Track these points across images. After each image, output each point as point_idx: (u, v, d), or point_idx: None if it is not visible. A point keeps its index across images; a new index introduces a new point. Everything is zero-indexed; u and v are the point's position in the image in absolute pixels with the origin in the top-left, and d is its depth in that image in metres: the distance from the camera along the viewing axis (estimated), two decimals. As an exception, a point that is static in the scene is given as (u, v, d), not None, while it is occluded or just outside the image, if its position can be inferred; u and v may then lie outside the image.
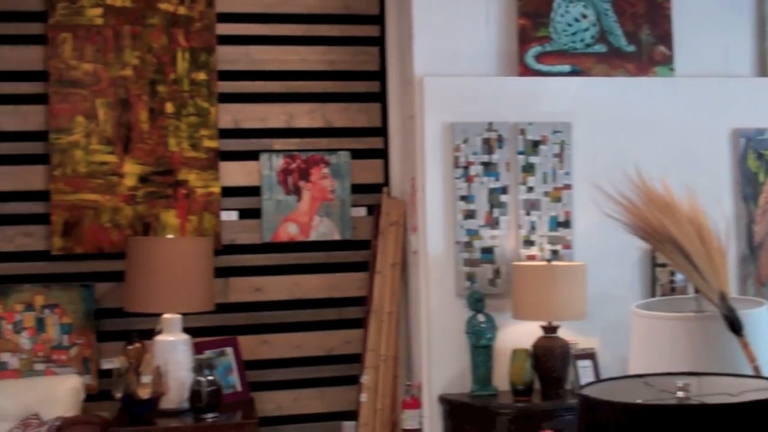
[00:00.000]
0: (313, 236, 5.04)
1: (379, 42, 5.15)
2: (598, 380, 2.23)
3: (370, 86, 5.17)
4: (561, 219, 4.59)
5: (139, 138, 4.86)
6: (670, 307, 2.99)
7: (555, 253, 4.56)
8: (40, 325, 4.72)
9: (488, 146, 4.54)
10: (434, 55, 4.63)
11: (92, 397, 4.71)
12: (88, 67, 4.83)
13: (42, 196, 4.79)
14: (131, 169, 4.84)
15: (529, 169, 4.57)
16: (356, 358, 4.97)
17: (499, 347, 4.43)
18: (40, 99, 4.80)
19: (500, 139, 4.55)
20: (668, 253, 2.83)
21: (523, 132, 4.57)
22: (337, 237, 5.07)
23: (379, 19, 5.15)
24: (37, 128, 4.81)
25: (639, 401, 1.96)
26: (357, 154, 5.13)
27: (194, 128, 4.91)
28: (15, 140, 4.79)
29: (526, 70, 4.66)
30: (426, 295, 4.53)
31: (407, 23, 4.73)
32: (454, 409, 4.37)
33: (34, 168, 4.80)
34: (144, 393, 4.24)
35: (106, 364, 4.77)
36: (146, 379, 4.28)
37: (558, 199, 4.59)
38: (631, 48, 4.75)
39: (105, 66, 4.84)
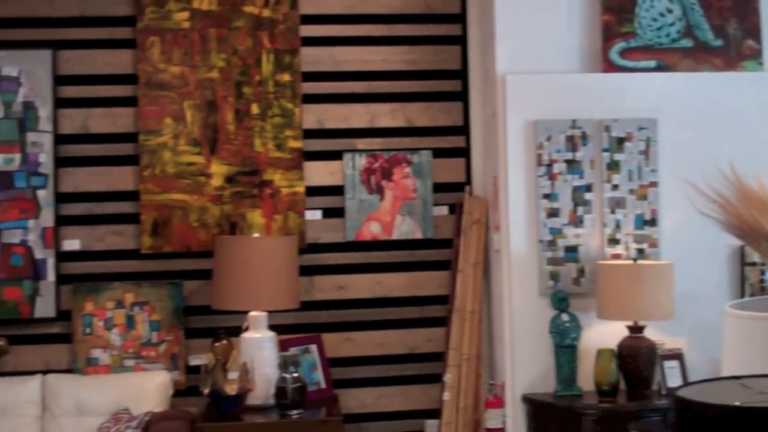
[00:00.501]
0: (395, 235, 5.07)
1: (461, 41, 5.15)
2: (693, 382, 2.19)
3: (452, 85, 5.17)
4: (647, 217, 4.52)
5: (225, 139, 4.94)
6: (764, 307, 2.92)
7: (641, 252, 4.49)
8: (130, 322, 4.84)
9: (572, 143, 4.50)
10: (517, 53, 4.61)
11: (180, 392, 4.81)
12: (176, 70, 4.93)
13: (132, 196, 4.92)
14: (218, 169, 4.93)
15: (613, 166, 4.51)
16: (439, 357, 4.98)
17: (583, 347, 4.39)
18: (129, 101, 4.93)
19: (584, 137, 4.50)
20: (764, 251, 2.76)
21: (607, 129, 4.51)
22: (419, 236, 5.08)
23: (460, 18, 5.15)
24: (127, 130, 4.94)
25: (737, 403, 1.93)
26: (439, 153, 5.13)
27: (279, 129, 4.98)
28: (106, 142, 4.93)
29: (610, 66, 4.61)
30: (509, 294, 4.51)
31: (489, 21, 4.72)
32: (537, 409, 4.35)
33: (124, 169, 4.93)
34: (231, 389, 4.31)
35: (194, 361, 4.87)
36: (233, 375, 4.35)
37: (644, 197, 4.52)
38: (719, 42, 4.66)
39: (192, 69, 4.94)
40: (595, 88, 4.57)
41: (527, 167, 4.51)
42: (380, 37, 5.14)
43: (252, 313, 4.58)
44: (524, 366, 4.47)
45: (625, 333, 4.34)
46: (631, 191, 4.52)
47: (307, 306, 4.93)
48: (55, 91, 4.86)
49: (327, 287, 5.04)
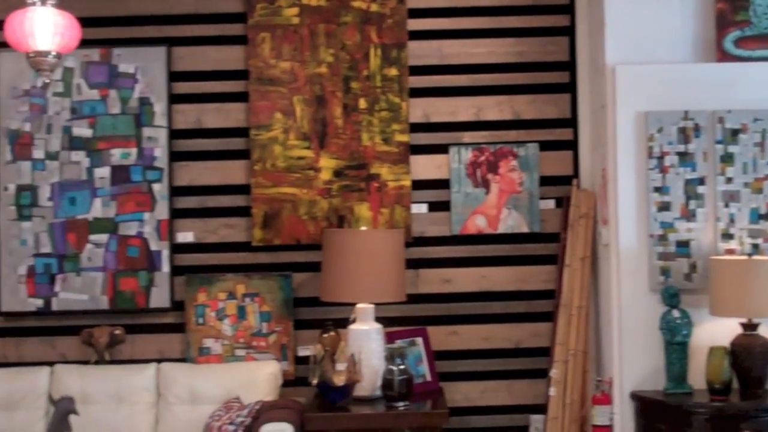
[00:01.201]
0: (501, 229, 5.04)
1: (569, 31, 5.09)
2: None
3: (560, 77, 5.11)
4: (762, 211, 4.38)
5: (333, 133, 5.01)
6: None
7: (756, 247, 4.35)
8: (242, 312, 4.96)
9: (684, 135, 4.39)
10: (627, 43, 4.52)
11: (289, 382, 4.91)
12: (286, 66, 5.02)
13: (243, 189, 5.03)
14: (326, 163, 5.00)
15: (727, 158, 4.38)
16: (545, 352, 4.95)
17: (694, 344, 4.28)
18: (241, 97, 5.05)
19: (697, 128, 4.39)
20: None
21: (721, 120, 4.39)
22: (525, 229, 5.04)
23: (568, 9, 5.09)
24: (239, 125, 5.06)
25: None
26: (546, 145, 5.08)
27: (386, 123, 5.01)
28: (218, 137, 5.06)
29: (724, 56, 4.47)
30: (617, 289, 4.44)
31: (598, 11, 4.64)
32: (646, 406, 4.27)
33: (236, 163, 5.05)
34: (339, 380, 4.37)
35: (302, 351, 4.96)
36: (341, 366, 4.41)
37: (759, 191, 4.38)
38: (839, 30, 4.47)
39: (301, 64, 5.02)
40: (708, 79, 4.45)
41: (637, 159, 4.43)
42: (487, 29, 5.12)
43: (359, 305, 4.63)
44: (633, 362, 4.39)
45: (738, 330, 4.22)
46: (746, 184, 4.38)
47: (413, 299, 4.96)
48: (169, 87, 5.01)
49: (432, 280, 5.05)
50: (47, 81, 3.93)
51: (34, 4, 3.87)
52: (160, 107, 4.99)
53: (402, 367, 4.44)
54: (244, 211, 5.04)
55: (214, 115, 5.06)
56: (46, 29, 3.82)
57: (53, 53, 3.84)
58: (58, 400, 4.16)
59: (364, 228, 4.96)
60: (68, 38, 3.87)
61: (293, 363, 4.95)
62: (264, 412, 4.36)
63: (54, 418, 4.11)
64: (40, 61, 3.82)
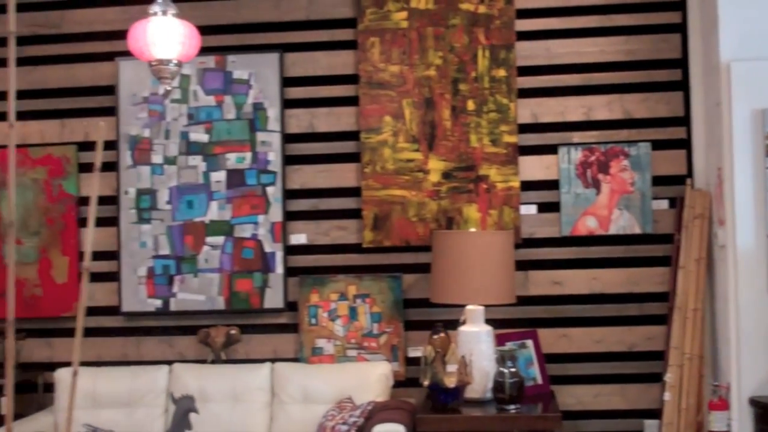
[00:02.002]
0: (612, 230, 4.98)
1: (681, 28, 4.99)
2: None
3: (672, 74, 5.02)
4: None
5: (442, 135, 5.03)
6: None
7: None
8: (353, 313, 5.02)
9: (805, 135, 4.26)
10: (742, 39, 4.41)
11: (399, 383, 4.95)
12: (395, 69, 5.07)
13: (354, 192, 5.10)
14: (435, 165, 5.03)
15: None
16: (659, 356, 4.86)
17: (818, 348, 4.16)
18: (351, 101, 5.12)
19: (818, 127, 4.26)
20: None
21: None
22: (637, 230, 4.97)
23: (680, 6, 4.99)
24: (350, 128, 5.13)
25: None
26: (658, 144, 5.00)
27: (494, 124, 5.01)
28: (330, 140, 5.13)
29: None
30: (734, 291, 4.33)
31: (711, 7, 4.54)
32: (766, 412, 4.15)
33: (346, 166, 5.12)
34: (450, 382, 4.38)
35: (413, 353, 5.00)
36: (452, 368, 4.42)
37: None
38: None
39: (410, 67, 5.06)
40: (829, 75, 4.31)
41: (755, 158, 4.31)
42: (596, 28, 5.06)
43: (469, 307, 4.64)
44: (751, 367, 4.28)
45: None
46: None
47: (523, 301, 4.94)
48: (282, 93, 5.12)
49: (542, 282, 5.03)
50: (168, 88, 4.06)
51: (155, 14, 4.01)
52: (273, 112, 5.10)
53: (513, 369, 4.42)
54: (355, 214, 5.10)
55: (325, 119, 5.15)
56: (168, 38, 3.95)
57: (174, 61, 3.97)
58: (179, 398, 4.29)
59: (473, 229, 4.97)
60: (188, 47, 3.99)
61: (404, 364, 4.99)
62: (376, 413, 4.41)
63: (175, 416, 4.24)
64: (162, 70, 3.95)
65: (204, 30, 4.28)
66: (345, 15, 5.15)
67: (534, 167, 5.05)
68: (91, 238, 2.46)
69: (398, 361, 4.98)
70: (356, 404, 4.57)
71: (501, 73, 5.02)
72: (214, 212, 5.11)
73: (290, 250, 5.11)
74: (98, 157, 2.35)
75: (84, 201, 5.23)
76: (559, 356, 4.98)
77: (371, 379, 4.74)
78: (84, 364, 4.99)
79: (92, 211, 2.49)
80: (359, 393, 4.67)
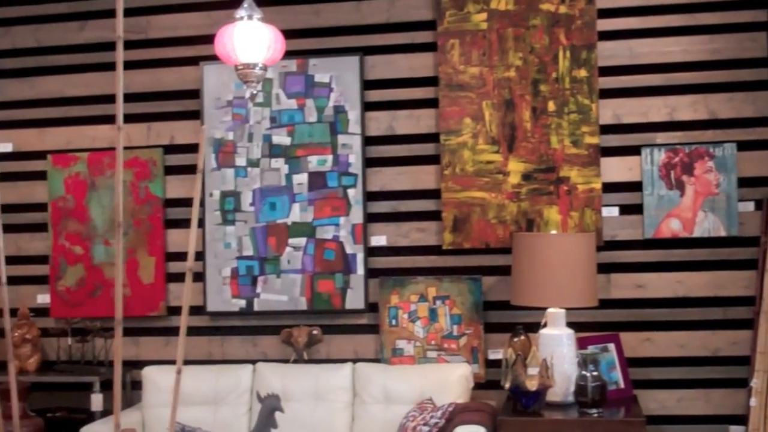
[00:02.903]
0: (696, 232, 4.90)
1: (767, 27, 4.88)
2: None
3: (758, 74, 4.91)
4: None
5: (522, 137, 5.01)
6: None
7: None
8: (433, 315, 5.04)
9: None
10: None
11: (479, 385, 4.95)
12: (475, 71, 5.06)
13: (434, 194, 5.11)
14: (515, 167, 5.01)
15: None
16: (744, 361, 4.78)
17: None
18: (431, 103, 5.13)
19: None
20: None
21: None
22: (722, 233, 4.88)
23: (765, 3, 4.88)
24: (429, 131, 5.14)
25: None
26: (744, 145, 4.90)
27: (575, 125, 4.97)
28: (410, 142, 5.15)
29: None
30: (826, 296, 4.24)
31: (802, 6, 4.44)
32: None
33: (426, 168, 5.13)
34: (531, 385, 4.37)
35: (493, 355, 4.99)
36: (533, 371, 4.41)
37: None
38: None
39: (490, 69, 5.05)
40: None
41: None
42: (680, 27, 4.98)
43: (550, 310, 4.62)
44: (843, 374, 4.18)
45: None
46: None
47: (605, 304, 4.89)
48: (362, 95, 5.15)
49: (624, 285, 4.97)
50: (254, 92, 4.12)
51: (241, 18, 4.07)
52: (354, 115, 5.14)
53: (595, 373, 4.39)
54: (434, 215, 5.11)
55: (405, 122, 5.17)
56: (254, 42, 4.01)
57: (260, 65, 4.03)
58: (265, 397, 4.35)
59: (554, 232, 4.94)
60: (274, 51, 4.05)
61: (483, 366, 4.99)
62: (457, 414, 4.41)
63: (261, 414, 4.30)
64: (248, 73, 4.01)
65: (286, 34, 4.33)
66: (425, 17, 5.16)
67: (616, 169, 5.00)
68: (194, 239, 2.54)
69: (478, 363, 4.98)
70: (437, 405, 4.58)
71: (582, 73, 4.98)
72: (297, 214, 5.18)
73: (371, 252, 5.15)
74: (200, 159, 2.43)
75: (170, 203, 5.34)
76: (641, 360, 4.92)
77: (451, 380, 4.74)
78: (170, 362, 5.11)
79: (195, 212, 2.56)
80: (439, 394, 4.68)
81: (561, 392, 4.50)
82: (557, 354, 4.51)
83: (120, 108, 2.31)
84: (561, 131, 4.98)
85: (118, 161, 2.20)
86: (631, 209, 4.98)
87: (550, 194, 4.99)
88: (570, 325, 4.65)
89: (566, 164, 4.97)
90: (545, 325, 4.63)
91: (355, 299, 5.11)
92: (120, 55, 2.32)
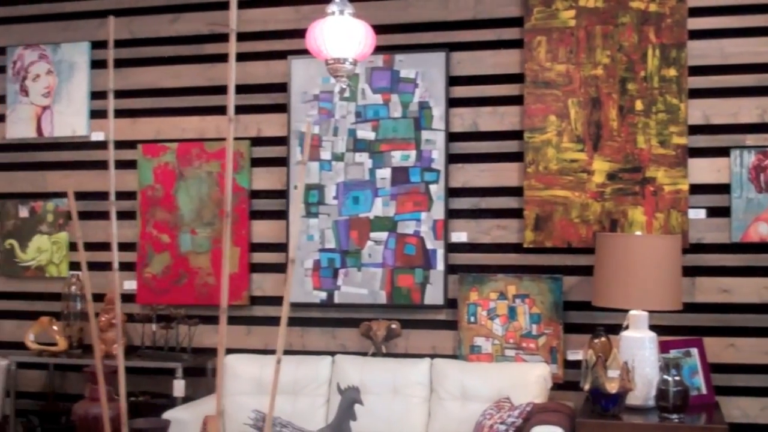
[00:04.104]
0: (787, 237, 4.79)
1: None
2: None
3: None
4: None
5: (608, 136, 4.95)
6: None
7: None
8: (512, 313, 5.02)
9: None
10: None
11: (557, 386, 4.91)
12: (561, 68, 5.02)
13: (516, 191, 5.09)
14: (600, 166, 4.95)
15: None
16: (834, 370, 4.65)
17: None
18: (516, 100, 5.10)
19: None
20: None
21: None
22: (814, 239, 4.76)
23: None
24: (513, 128, 5.11)
25: None
26: (841, 149, 4.77)
27: (663, 125, 4.89)
28: (493, 139, 5.14)
29: None
30: None
31: None
32: None
33: (509, 165, 5.11)
34: (611, 387, 4.32)
35: (571, 356, 4.95)
36: (613, 373, 4.36)
37: None
38: None
39: (577, 66, 5.00)
40: None
41: None
42: (773, 27, 4.87)
43: (632, 312, 4.55)
44: None
45: None
46: None
47: (688, 308, 4.80)
48: (447, 92, 5.15)
49: (709, 289, 4.87)
50: (344, 86, 4.15)
51: (333, 13, 4.11)
52: (438, 111, 5.15)
53: (677, 378, 4.31)
54: (516, 213, 5.09)
55: (489, 118, 5.15)
56: (345, 37, 4.04)
57: (350, 60, 4.06)
58: (345, 389, 4.39)
59: (638, 233, 4.87)
60: (364, 46, 4.08)
61: (562, 366, 4.95)
62: (535, 414, 4.39)
63: (341, 406, 4.35)
64: (338, 68, 4.05)
65: (373, 29, 4.35)
66: (512, 14, 5.13)
67: (704, 170, 4.90)
68: (296, 230, 2.59)
69: (557, 364, 4.95)
70: (514, 404, 4.57)
71: (671, 72, 4.90)
72: (379, 208, 5.21)
73: (451, 248, 5.15)
74: (306, 151, 2.46)
75: (255, 194, 5.42)
76: (724, 366, 4.82)
77: (529, 380, 4.71)
78: (252, 351, 5.21)
79: (296, 200, 2.61)
80: (517, 393, 4.66)
81: (641, 396, 4.44)
82: (639, 357, 4.45)
83: (231, 99, 2.35)
84: (648, 131, 4.91)
85: (228, 151, 2.25)
86: (719, 212, 4.88)
87: (636, 194, 4.92)
88: (652, 328, 4.58)
89: (653, 164, 4.90)
90: (627, 328, 4.57)
91: (434, 295, 5.12)
92: (232, 47, 2.37)
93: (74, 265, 5.71)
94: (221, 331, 2.21)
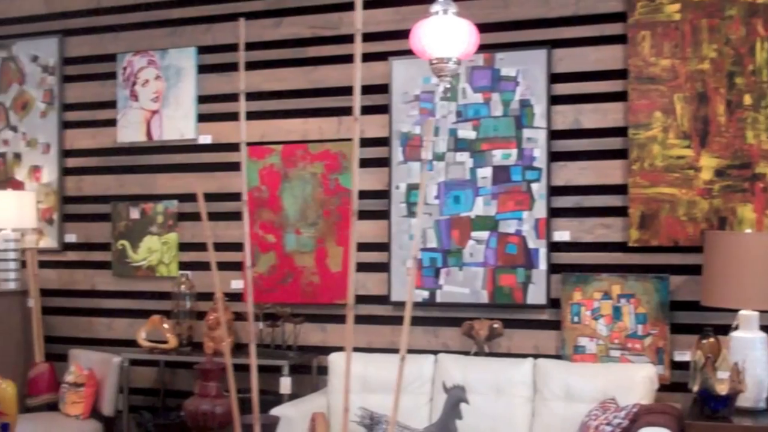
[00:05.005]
0: None
1: None
2: None
3: None
4: None
5: (715, 131, 4.84)
6: None
7: None
8: (617, 313, 4.95)
9: None
10: None
11: (663, 387, 4.81)
12: (666, 63, 4.92)
13: (620, 189, 5.01)
14: (707, 162, 4.84)
15: None
16: None
17: None
18: (619, 96, 5.03)
19: None
20: None
21: None
22: None
23: None
24: (617, 125, 5.03)
25: None
26: None
27: (773, 120, 4.76)
28: (595, 136, 5.07)
29: None
30: None
31: None
32: None
33: (613, 162, 5.03)
34: (721, 389, 4.22)
35: (678, 357, 4.85)
36: (723, 374, 4.25)
37: None
38: None
39: (682, 61, 4.89)
40: None
41: None
42: None
43: (743, 312, 4.43)
44: None
45: None
46: None
47: (802, 307, 4.66)
48: (549, 89, 5.11)
49: (825, 288, 4.71)
50: (447, 86, 4.15)
51: (436, 13, 4.13)
52: (539, 109, 5.11)
53: (790, 379, 4.20)
54: (620, 211, 5.01)
55: (591, 115, 5.09)
56: (449, 37, 4.06)
57: (454, 60, 4.07)
58: (451, 388, 4.40)
59: (748, 231, 4.74)
60: (468, 45, 4.08)
61: (669, 367, 4.86)
62: (642, 416, 4.32)
63: (446, 404, 4.36)
64: (442, 68, 4.06)
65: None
66: (614, 9, 5.05)
67: (817, 166, 4.75)
68: (420, 224, 2.61)
69: (663, 365, 4.85)
70: (620, 406, 4.50)
71: (781, 66, 4.76)
72: (480, 207, 5.20)
73: (554, 247, 5.11)
74: (428, 149, 2.49)
75: (359, 195, 5.46)
76: (841, 368, 4.66)
77: (635, 381, 4.63)
78: (356, 349, 5.26)
79: (421, 200, 2.62)
80: (622, 394, 4.59)
81: (752, 398, 4.32)
82: (749, 358, 4.33)
83: (357, 99, 2.39)
84: (758, 126, 4.77)
85: (354, 149, 2.30)
86: (834, 209, 4.72)
87: (745, 191, 4.79)
88: (764, 328, 4.46)
89: (763, 160, 4.76)
90: (737, 328, 4.46)
91: (536, 294, 5.09)
92: (358, 48, 2.41)
93: (183, 265, 5.88)
94: (348, 328, 2.27)
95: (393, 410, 2.35)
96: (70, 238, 6.25)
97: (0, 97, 6.43)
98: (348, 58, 5.49)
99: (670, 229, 4.90)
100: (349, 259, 2.29)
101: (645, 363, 4.82)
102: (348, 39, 5.52)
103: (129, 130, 6.05)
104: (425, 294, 5.29)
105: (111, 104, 6.13)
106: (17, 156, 6.36)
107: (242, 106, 2.73)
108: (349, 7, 5.53)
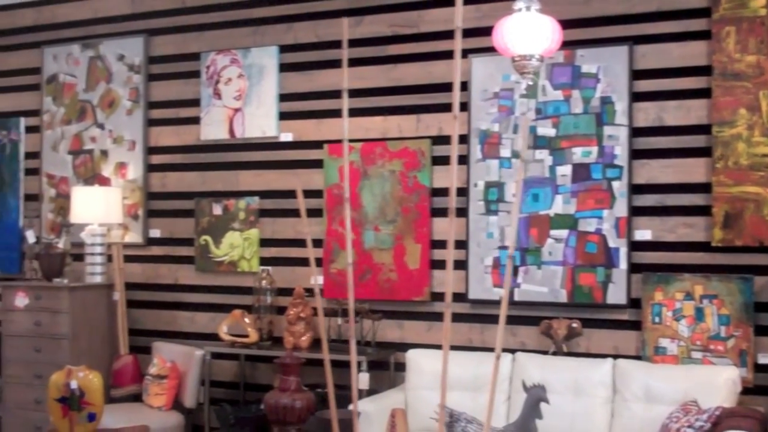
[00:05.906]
0: None
1: None
2: None
3: None
4: None
5: (804, 130, 4.72)
6: None
7: None
8: (699, 314, 4.86)
9: None
10: None
11: (746, 390, 4.71)
12: (752, 59, 4.81)
13: (704, 188, 4.91)
14: (797, 161, 4.73)
15: None
16: None
17: None
18: (703, 93, 4.93)
19: None
20: None
21: None
22: None
23: None
24: (700, 122, 4.94)
25: None
26: None
27: None
28: (678, 134, 4.99)
29: None
30: None
31: None
32: None
33: (696, 161, 4.94)
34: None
35: (762, 359, 4.74)
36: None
37: None
38: None
39: (769, 57, 4.79)
40: None
41: None
42: None
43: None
44: None
45: None
46: None
47: None
48: (630, 86, 5.04)
49: None
50: (530, 83, 4.14)
51: (519, 10, 4.11)
52: (621, 106, 5.05)
53: None
54: (703, 210, 4.92)
55: (674, 112, 5.00)
56: (532, 34, 4.04)
57: (537, 57, 4.06)
58: (531, 387, 4.38)
59: (837, 231, 4.61)
60: (551, 42, 4.06)
61: (752, 370, 4.75)
62: (724, 419, 4.24)
63: (526, 403, 4.34)
64: (525, 65, 4.04)
65: (556, 25, 4.32)
66: (698, 5, 4.96)
67: None
68: (515, 224, 2.62)
69: (746, 367, 4.75)
70: (702, 408, 4.42)
71: None
72: (559, 206, 5.17)
73: (634, 246, 5.04)
74: (524, 148, 2.49)
75: (436, 192, 5.49)
76: None
77: (717, 383, 4.55)
78: (433, 346, 5.28)
79: (517, 200, 2.63)
80: (704, 397, 4.50)
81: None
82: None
83: (456, 96, 2.40)
84: None
85: (453, 147, 2.32)
86: None
87: (834, 191, 4.67)
88: None
89: None
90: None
91: (616, 294, 5.03)
92: (458, 44, 2.41)
93: (264, 261, 5.97)
94: (446, 326, 2.29)
95: (488, 409, 2.37)
96: (155, 233, 6.40)
97: (88, 95, 6.62)
98: (427, 56, 5.54)
99: (755, 229, 4.79)
100: (447, 256, 2.33)
101: (728, 365, 4.72)
102: (427, 37, 5.56)
103: (212, 128, 6.16)
104: (503, 292, 5.26)
105: (195, 102, 6.25)
106: (104, 153, 6.54)
107: (345, 104, 2.75)
108: (429, 5, 5.56)
